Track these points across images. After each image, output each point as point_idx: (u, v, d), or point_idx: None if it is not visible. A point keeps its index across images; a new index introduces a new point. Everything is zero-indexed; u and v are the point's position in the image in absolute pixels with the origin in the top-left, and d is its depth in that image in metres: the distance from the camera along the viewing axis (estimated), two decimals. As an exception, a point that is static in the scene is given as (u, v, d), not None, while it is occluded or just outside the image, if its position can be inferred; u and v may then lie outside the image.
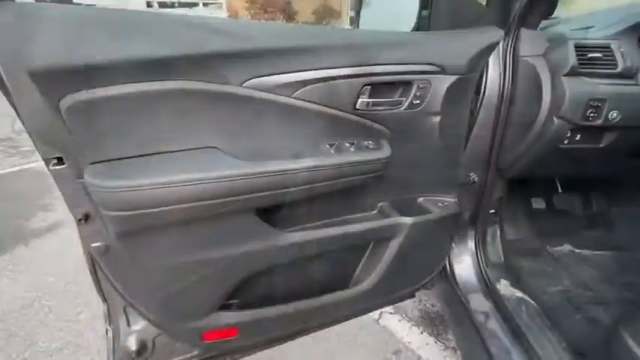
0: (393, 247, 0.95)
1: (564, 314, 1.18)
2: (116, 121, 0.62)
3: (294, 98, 0.73)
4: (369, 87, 0.78)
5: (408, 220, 0.92)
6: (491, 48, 0.85)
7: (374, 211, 0.99)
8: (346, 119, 0.80)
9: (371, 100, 0.80)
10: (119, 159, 0.64)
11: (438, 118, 0.88)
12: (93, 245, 0.75)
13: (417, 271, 1.11)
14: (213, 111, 0.69)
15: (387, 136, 0.86)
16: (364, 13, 1.21)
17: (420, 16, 1.01)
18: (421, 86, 0.82)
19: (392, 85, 0.82)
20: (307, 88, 0.73)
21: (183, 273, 0.77)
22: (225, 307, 0.86)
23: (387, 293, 1.08)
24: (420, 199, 1.03)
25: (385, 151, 0.83)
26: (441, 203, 1.02)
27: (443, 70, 0.83)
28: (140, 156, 0.65)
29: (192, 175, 0.65)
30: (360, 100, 0.79)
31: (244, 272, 0.82)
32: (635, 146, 1.12)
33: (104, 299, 0.90)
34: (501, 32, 0.86)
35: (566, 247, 1.55)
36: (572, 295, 1.28)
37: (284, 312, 0.90)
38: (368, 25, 1.21)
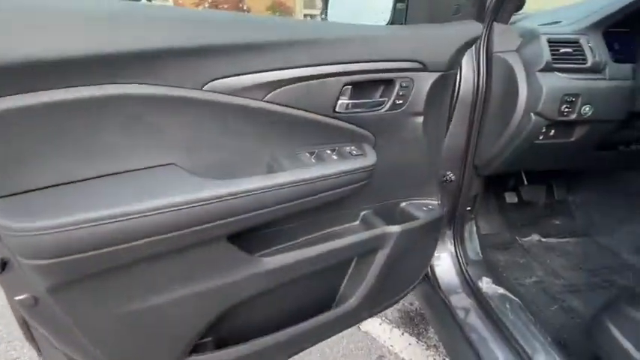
0: (380, 258, 0.88)
1: (542, 305, 1.20)
2: (35, 138, 0.47)
3: (266, 102, 0.62)
4: (349, 87, 0.70)
5: (395, 229, 0.86)
6: (470, 43, 0.81)
7: (356, 222, 0.91)
8: (326, 124, 0.71)
9: (351, 101, 0.72)
10: (42, 189, 0.49)
11: (421, 119, 0.82)
12: (17, 298, 0.59)
13: (404, 279, 1.06)
14: (169, 120, 0.56)
15: (370, 140, 0.78)
16: (332, 5, 1.12)
17: (394, 9, 0.95)
18: (404, 85, 0.76)
19: (372, 85, 0.75)
20: (281, 89, 0.63)
21: (143, 319, 0.63)
22: (197, 349, 0.73)
23: (374, 307, 1.01)
24: (404, 204, 0.97)
25: (370, 158, 0.75)
26: (425, 207, 0.97)
27: (425, 67, 0.77)
28: (71, 183, 0.51)
29: (145, 202, 0.51)
30: (339, 102, 0.70)
31: (217, 309, 0.70)
32: (603, 139, 1.16)
33: (39, 351, 0.73)
34: (480, 26, 0.82)
35: (535, 237, 1.61)
36: (546, 285, 1.32)
37: (265, 345, 0.79)
38: (336, 17, 1.13)
